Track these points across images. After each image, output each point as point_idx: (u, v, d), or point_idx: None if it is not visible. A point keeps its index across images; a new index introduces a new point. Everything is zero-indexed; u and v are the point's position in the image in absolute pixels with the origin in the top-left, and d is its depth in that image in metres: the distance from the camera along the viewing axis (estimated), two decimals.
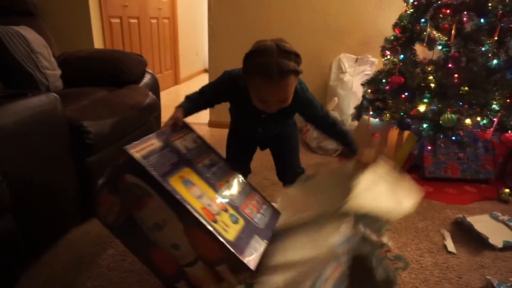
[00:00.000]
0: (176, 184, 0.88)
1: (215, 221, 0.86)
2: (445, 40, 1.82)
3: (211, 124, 2.80)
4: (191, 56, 5.01)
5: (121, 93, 1.68)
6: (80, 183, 1.26)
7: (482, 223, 1.46)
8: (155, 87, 2.02)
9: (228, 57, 2.68)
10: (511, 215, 1.54)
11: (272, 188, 1.77)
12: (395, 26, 2.06)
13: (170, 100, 2.93)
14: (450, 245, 1.36)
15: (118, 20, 3.03)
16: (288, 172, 1.35)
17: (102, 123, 1.38)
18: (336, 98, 2.35)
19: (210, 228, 0.83)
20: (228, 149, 1.41)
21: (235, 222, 0.89)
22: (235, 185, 1.03)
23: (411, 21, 1.97)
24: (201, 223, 0.83)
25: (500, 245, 1.35)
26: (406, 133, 1.92)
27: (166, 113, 1.31)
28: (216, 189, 0.96)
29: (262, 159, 1.93)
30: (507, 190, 1.76)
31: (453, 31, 1.80)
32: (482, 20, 1.80)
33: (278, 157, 1.38)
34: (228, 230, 0.86)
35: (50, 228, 1.22)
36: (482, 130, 1.86)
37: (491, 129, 1.78)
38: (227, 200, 0.94)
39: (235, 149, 1.40)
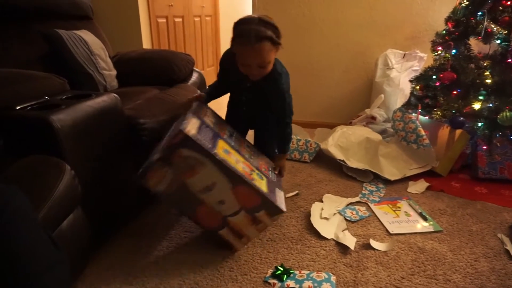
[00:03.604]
0: (221, 154, 1.12)
1: (253, 179, 1.14)
2: (504, 34, 1.72)
3: None
4: None
5: (172, 92, 1.76)
6: None
7: None
8: (202, 85, 2.08)
9: None
10: None
11: (317, 186, 1.78)
12: (448, 20, 1.97)
13: None
14: None
15: (164, 20, 3.14)
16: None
17: (156, 121, 1.45)
18: (382, 95, 2.29)
19: (253, 185, 1.11)
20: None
21: (261, 178, 1.16)
22: (249, 149, 1.29)
23: (465, 15, 1.87)
24: (246, 181, 1.11)
25: None
26: (459, 131, 1.85)
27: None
28: (242, 154, 1.21)
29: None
30: None
31: None
32: None
33: (258, 142, 1.55)
34: (261, 185, 1.13)
35: (112, 219, 1.32)
36: None
37: None
38: (251, 162, 1.20)
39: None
